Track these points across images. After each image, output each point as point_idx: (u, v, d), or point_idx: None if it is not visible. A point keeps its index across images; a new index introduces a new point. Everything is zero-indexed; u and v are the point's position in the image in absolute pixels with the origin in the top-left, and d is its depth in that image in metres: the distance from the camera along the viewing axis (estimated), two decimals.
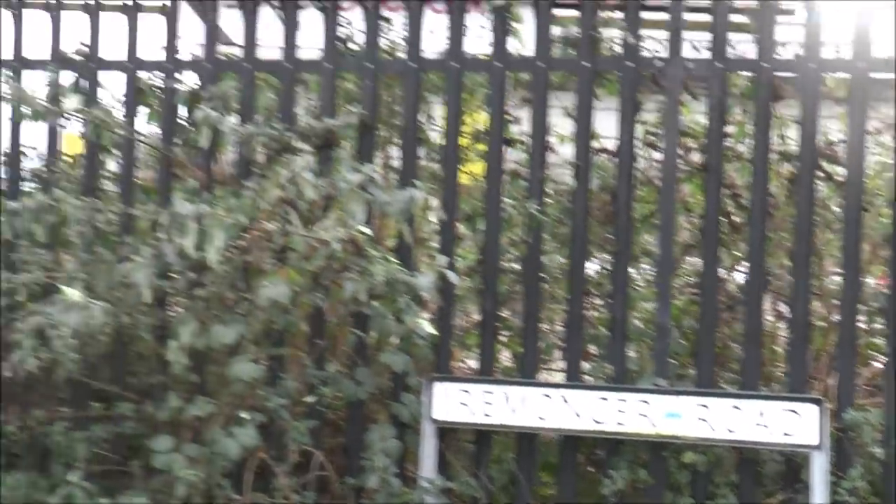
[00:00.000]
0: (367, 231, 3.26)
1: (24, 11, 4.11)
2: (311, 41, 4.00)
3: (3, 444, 3.68)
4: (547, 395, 3.56)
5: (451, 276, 3.36)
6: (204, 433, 3.48)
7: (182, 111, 4.02)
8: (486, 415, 3.58)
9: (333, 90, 3.90)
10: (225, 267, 3.31)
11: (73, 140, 4.28)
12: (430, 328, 3.31)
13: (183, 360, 3.34)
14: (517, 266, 4.03)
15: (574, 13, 3.83)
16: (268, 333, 3.56)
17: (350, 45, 4.09)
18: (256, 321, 3.39)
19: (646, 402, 3.49)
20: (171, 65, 4.00)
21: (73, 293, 3.13)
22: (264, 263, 3.45)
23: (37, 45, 4.09)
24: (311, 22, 4.00)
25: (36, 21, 4.11)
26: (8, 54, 4.09)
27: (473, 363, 4.29)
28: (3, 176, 4.19)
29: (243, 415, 3.39)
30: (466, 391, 3.61)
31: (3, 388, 3.54)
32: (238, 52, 4.05)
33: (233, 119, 3.72)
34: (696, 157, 4.04)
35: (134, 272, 3.25)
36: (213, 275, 3.36)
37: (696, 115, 4.07)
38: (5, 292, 3.70)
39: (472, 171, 4.24)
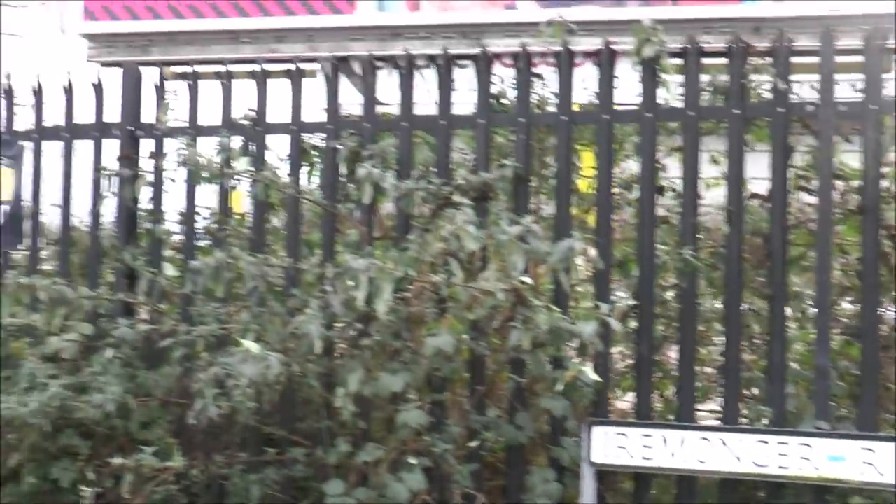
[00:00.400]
0: (529, 281, 3.24)
1: (199, 82, 4.29)
2: (463, 98, 4.05)
3: (185, 485, 3.77)
4: (705, 439, 3.47)
5: (614, 324, 3.31)
6: (371, 477, 3.51)
7: (342, 169, 4.09)
8: (645, 458, 3.50)
9: (488, 144, 3.92)
10: (390, 317, 3.34)
11: (236, 198, 4.44)
12: (594, 375, 3.26)
13: (350, 406, 3.39)
14: (671, 310, 3.96)
15: (722, 61, 3.76)
16: (429, 380, 3.58)
17: (502, 100, 4.13)
18: (420, 369, 3.41)
19: (807, 445, 3.35)
20: (333, 126, 4.08)
21: (251, 346, 3.21)
22: (427, 313, 3.48)
23: (209, 113, 4.24)
24: (464, 80, 4.05)
25: (208, 90, 4.26)
26: (183, 122, 4.27)
27: (622, 404, 4.22)
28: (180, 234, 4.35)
29: (411, 460, 3.39)
30: (624, 434, 3.54)
31: (188, 434, 3.65)
32: (395, 111, 4.12)
33: (392, 175, 3.76)
34: (848, 199, 3.90)
35: (305, 324, 3.31)
36: (378, 325, 3.40)
37: (845, 155, 3.94)
38: (184, 343, 3.83)
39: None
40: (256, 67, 4.22)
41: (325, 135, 4.13)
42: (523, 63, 3.91)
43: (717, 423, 3.76)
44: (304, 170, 4.34)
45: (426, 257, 3.31)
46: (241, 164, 4.00)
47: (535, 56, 3.96)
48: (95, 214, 4.40)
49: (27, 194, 4.52)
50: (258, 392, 3.25)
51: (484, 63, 3.95)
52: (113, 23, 9.32)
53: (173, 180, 4.26)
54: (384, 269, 3.15)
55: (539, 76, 4.06)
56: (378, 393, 3.34)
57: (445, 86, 4.02)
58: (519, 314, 3.24)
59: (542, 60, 4.02)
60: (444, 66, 4.02)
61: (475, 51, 4.05)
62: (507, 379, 3.76)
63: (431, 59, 4.18)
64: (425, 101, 4.12)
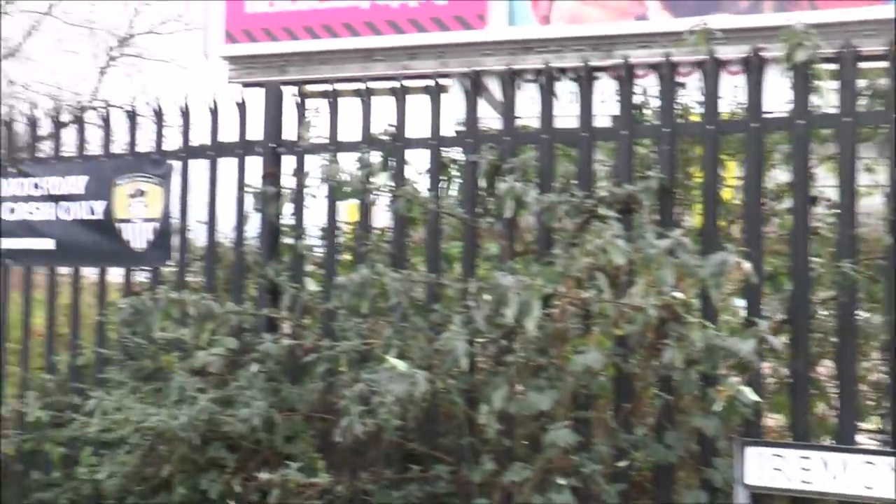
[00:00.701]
0: (682, 296, 3.04)
1: (338, 99, 4.22)
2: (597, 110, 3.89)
3: (329, 500, 3.69)
4: (870, 462, 3.18)
5: (774, 342, 3.08)
6: (517, 496, 3.35)
7: (481, 182, 3.96)
8: (804, 481, 3.23)
9: (630, 156, 3.73)
10: (536, 333, 3.18)
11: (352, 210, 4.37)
12: (753, 395, 3.02)
13: (495, 423, 3.25)
14: (825, 325, 3.69)
15: (881, 65, 3.48)
16: (574, 397, 3.40)
17: (644, 110, 3.93)
18: (567, 387, 3.24)
19: None
20: (472, 139, 3.96)
21: (398, 363, 3.10)
22: (573, 329, 3.31)
23: (349, 129, 4.17)
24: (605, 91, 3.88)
25: (347, 106, 4.20)
26: (324, 139, 4.21)
27: (772, 422, 3.95)
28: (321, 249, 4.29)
29: (559, 480, 3.21)
30: (780, 456, 3.28)
31: (332, 449, 3.57)
32: (530, 123, 3.98)
33: (533, 189, 3.60)
34: None
35: (451, 341, 3.18)
36: (522, 341, 3.24)
37: None
38: (327, 359, 3.75)
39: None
40: (395, 84, 4.11)
41: (463, 149, 3.99)
42: (666, 72, 3.70)
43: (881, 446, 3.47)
44: (443, 183, 4.21)
45: (573, 272, 3.14)
46: (381, 179, 3.91)
47: (678, 65, 3.74)
48: (239, 230, 4.38)
49: (175, 211, 4.52)
50: (403, 409, 3.13)
51: (626, 73, 3.76)
52: (252, 45, 9.43)
53: (314, 196, 4.20)
54: (533, 286, 2.99)
55: (682, 85, 3.84)
56: (524, 411, 3.18)
57: (586, 97, 3.84)
58: (672, 331, 3.03)
59: (685, 69, 3.82)
60: (585, 77, 3.84)
61: (616, 61, 3.86)
62: (654, 396, 3.55)
63: (571, 71, 4.00)
64: (560, 113, 3.96)
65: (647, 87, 4.00)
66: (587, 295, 3.13)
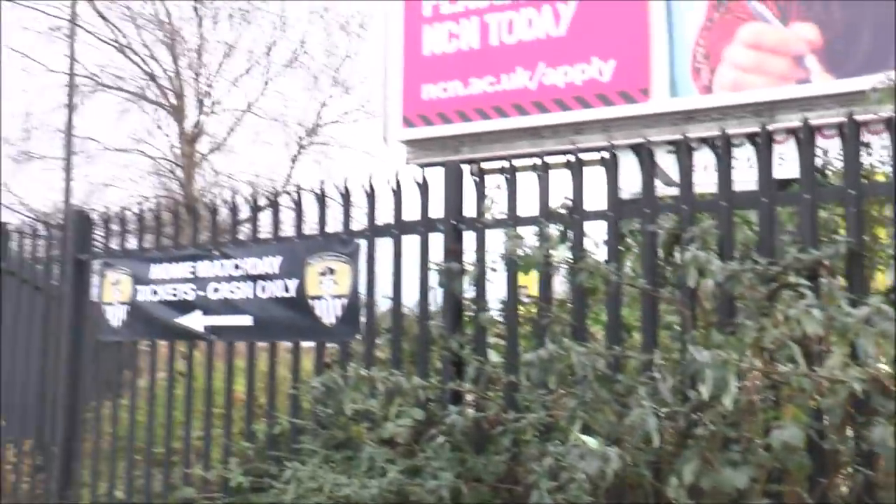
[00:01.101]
0: (888, 368, 2.76)
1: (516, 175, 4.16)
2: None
3: None
4: None
5: None
6: None
7: (660, 252, 3.79)
8: None
9: (814, 220, 3.48)
10: (731, 408, 2.96)
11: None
12: None
13: (684, 498, 3.03)
14: None
15: None
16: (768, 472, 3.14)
17: (826, 173, 3.69)
18: (762, 462, 2.98)
19: None
20: (650, 209, 3.80)
21: (589, 440, 2.94)
22: (766, 403, 3.07)
23: (527, 204, 4.10)
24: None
25: (525, 182, 4.13)
26: (503, 214, 4.15)
27: None
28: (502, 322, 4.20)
29: None
30: None
31: None
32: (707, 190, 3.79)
33: (715, 257, 3.40)
34: None
35: (642, 416, 2.99)
36: (712, 414, 3.02)
37: None
38: (513, 431, 3.63)
39: None
40: (570, 157, 4.01)
41: (641, 218, 3.84)
42: (851, 132, 3.45)
43: None
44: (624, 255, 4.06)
45: (765, 343, 2.91)
46: (561, 251, 3.80)
47: (864, 124, 3.48)
48: (423, 305, 4.35)
49: (362, 288, 4.55)
50: (594, 486, 2.96)
51: (807, 135, 3.53)
52: (428, 128, 9.59)
53: (495, 270, 4.12)
54: (729, 361, 2.78)
55: (867, 145, 3.58)
56: (719, 486, 2.95)
57: (765, 161, 3.63)
58: (879, 405, 2.75)
59: (873, 127, 3.56)
60: (764, 141, 3.63)
61: (796, 123, 3.64)
62: (853, 471, 3.24)
63: (746, 136, 3.80)
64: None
65: (828, 149, 3.75)
66: (785, 368, 2.89)
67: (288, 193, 5.02)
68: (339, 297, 4.61)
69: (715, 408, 2.95)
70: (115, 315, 5.71)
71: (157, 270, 5.49)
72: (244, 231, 5.40)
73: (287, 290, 4.82)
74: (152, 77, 15.68)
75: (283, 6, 16.27)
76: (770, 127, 3.70)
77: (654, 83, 8.56)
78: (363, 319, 4.55)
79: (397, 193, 4.50)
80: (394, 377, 3.67)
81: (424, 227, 4.38)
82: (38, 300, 6.38)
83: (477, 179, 4.30)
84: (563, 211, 3.99)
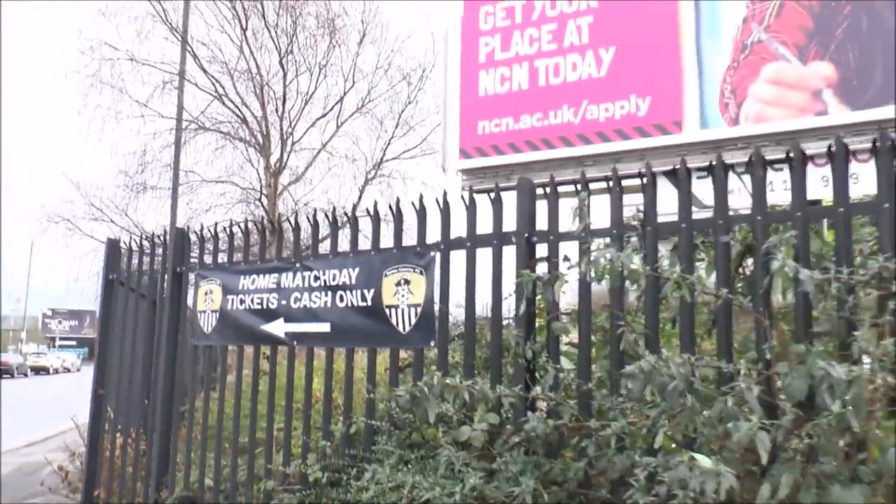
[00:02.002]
0: None
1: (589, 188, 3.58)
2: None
3: None
4: None
5: None
6: None
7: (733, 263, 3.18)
8: None
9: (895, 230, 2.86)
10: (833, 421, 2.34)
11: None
12: None
13: None
14: None
15: None
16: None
17: None
18: (882, 479, 2.35)
19: None
20: (723, 221, 3.20)
21: (701, 458, 2.33)
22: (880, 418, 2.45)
23: (598, 219, 3.52)
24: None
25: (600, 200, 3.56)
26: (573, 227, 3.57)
27: None
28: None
29: None
30: None
31: None
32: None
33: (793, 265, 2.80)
34: None
35: (753, 432, 2.38)
36: (817, 428, 2.40)
37: None
38: (593, 437, 3.04)
39: None
40: (645, 172, 3.44)
41: (713, 230, 3.24)
42: None
43: None
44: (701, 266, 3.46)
45: (878, 355, 2.30)
46: (637, 262, 3.21)
47: None
48: (497, 313, 3.78)
49: (436, 297, 3.99)
50: (694, 501, 2.35)
51: (886, 148, 2.92)
52: (482, 158, 8.98)
53: (566, 280, 3.54)
54: (861, 376, 2.17)
55: None
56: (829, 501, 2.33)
57: (840, 174, 3.03)
58: None
59: None
60: (841, 154, 3.03)
61: (872, 136, 3.04)
62: None
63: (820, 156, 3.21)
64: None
65: None
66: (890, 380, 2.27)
67: (366, 211, 4.49)
68: (413, 305, 4.05)
69: (818, 424, 2.33)
70: (207, 321, 5.21)
71: (244, 281, 4.99)
72: (324, 246, 4.89)
73: (364, 299, 4.28)
74: (244, 120, 15.37)
75: (355, 61, 15.90)
76: (845, 141, 3.07)
77: (687, 116, 7.93)
78: (436, 327, 3.98)
79: (471, 208, 3.95)
80: (478, 385, 3.09)
81: (497, 239, 3.81)
82: (143, 307, 5.92)
83: (551, 196, 3.73)
84: (635, 223, 3.39)
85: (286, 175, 15.78)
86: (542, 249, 3.70)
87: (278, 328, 4.70)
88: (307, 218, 4.83)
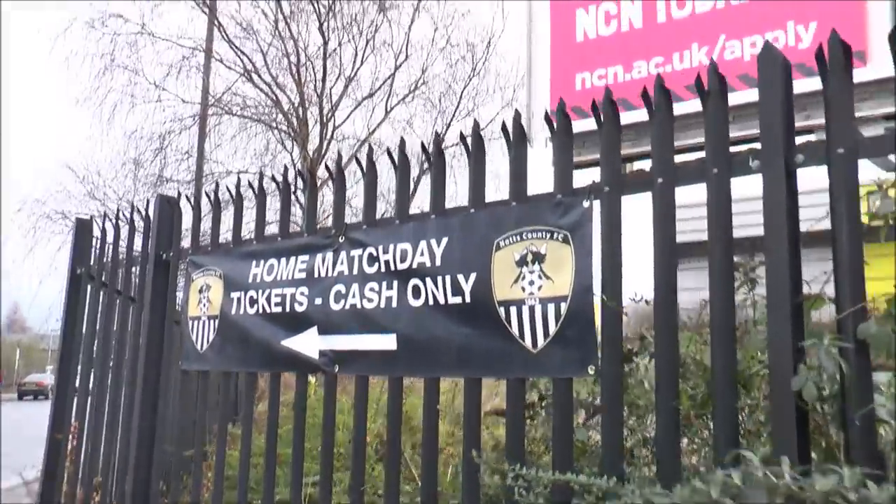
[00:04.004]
0: None
1: None
2: None
3: None
4: None
5: None
6: None
7: None
8: None
9: None
10: None
11: None
12: None
13: None
14: None
15: None
16: None
17: None
18: None
19: None
20: None
21: None
22: None
23: None
24: None
25: None
26: None
27: None
28: None
29: None
30: None
31: None
32: None
33: None
34: None
35: None
36: None
37: None
38: None
39: None
40: None
41: None
42: None
43: None
44: None
45: None
46: None
47: None
48: (725, 306, 2.01)
49: (595, 283, 2.25)
50: None
51: None
52: (583, 121, 7.11)
53: None
54: None
55: None
56: None
57: None
58: None
59: None
60: None
61: None
62: None
63: None
64: None
65: None
66: None
67: (460, 137, 2.78)
68: (552, 300, 2.32)
69: None
70: (202, 334, 3.55)
71: (256, 270, 3.32)
72: (385, 210, 3.17)
73: (458, 291, 2.57)
74: (277, 101, 13.82)
75: (408, 34, 14.22)
76: None
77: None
78: (597, 339, 2.24)
79: (662, 105, 2.22)
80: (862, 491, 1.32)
81: (720, 164, 2.07)
82: (121, 311, 4.28)
83: None
84: None
85: (324, 167, 14.09)
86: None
87: (309, 343, 3.03)
88: (357, 159, 3.16)
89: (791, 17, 6.36)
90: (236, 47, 13.85)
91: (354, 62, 14.09)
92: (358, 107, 14.27)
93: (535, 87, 7.67)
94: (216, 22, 13.65)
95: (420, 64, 14.67)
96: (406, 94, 14.92)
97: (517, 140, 2.55)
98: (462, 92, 14.55)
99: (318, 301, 3.03)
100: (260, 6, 13.97)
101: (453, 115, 14.66)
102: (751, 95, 5.18)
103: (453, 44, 14.66)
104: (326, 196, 10.98)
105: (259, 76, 13.75)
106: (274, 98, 13.77)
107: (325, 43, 13.59)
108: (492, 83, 14.71)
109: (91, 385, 4.22)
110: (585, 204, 2.31)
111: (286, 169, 3.53)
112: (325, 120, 13.65)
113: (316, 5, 13.50)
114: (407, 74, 14.80)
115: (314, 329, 3.02)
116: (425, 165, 10.30)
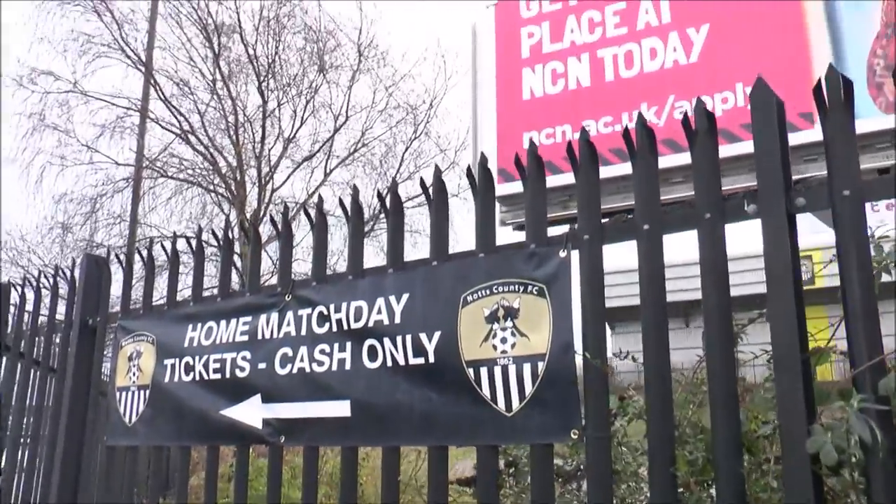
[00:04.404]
0: None
1: None
2: None
3: None
4: None
5: None
6: None
7: None
8: None
9: None
10: None
11: None
12: None
13: None
14: None
15: None
16: None
17: None
18: None
19: None
20: None
21: None
22: None
23: None
24: None
25: None
26: None
27: None
28: None
29: None
30: None
31: None
32: None
33: None
34: None
35: None
36: None
37: None
38: None
39: None
40: None
41: None
42: None
43: None
44: None
45: None
46: None
47: None
48: (719, 356, 1.84)
49: (575, 337, 2.06)
50: None
51: None
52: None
53: None
54: None
55: None
56: None
57: None
58: None
59: None
60: None
61: None
62: None
63: None
64: None
65: None
66: None
67: (421, 185, 2.60)
68: (528, 358, 2.11)
69: None
70: (130, 405, 3.23)
71: (193, 334, 3.05)
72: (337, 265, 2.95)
73: (420, 352, 2.35)
74: (214, 163, 13.55)
75: (348, 95, 14.17)
76: None
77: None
78: (579, 398, 2.04)
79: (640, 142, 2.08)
80: None
81: (712, 208, 1.93)
82: (39, 385, 3.94)
83: None
84: None
85: (264, 230, 13.83)
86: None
87: (251, 412, 2.76)
88: (306, 209, 2.94)
89: (739, 79, 6.42)
90: (173, 106, 13.61)
91: (294, 123, 13.97)
92: (297, 169, 14.08)
93: (482, 145, 7.60)
94: (152, 80, 13.39)
95: (360, 125, 14.60)
96: (346, 155, 14.80)
97: (484, 187, 2.37)
98: (403, 154, 14.49)
99: (262, 366, 2.77)
100: (198, 65, 13.80)
101: (395, 178, 14.57)
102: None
103: (394, 105, 14.66)
104: (265, 261, 10.68)
105: (196, 137, 13.51)
106: (211, 159, 13.51)
107: (265, 103, 13.45)
108: (433, 146, 14.73)
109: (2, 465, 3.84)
110: (562, 254, 2.13)
111: (227, 224, 3.29)
112: (263, 182, 13.43)
113: (255, 65, 13.39)
114: (347, 136, 14.71)
115: (258, 397, 2.76)
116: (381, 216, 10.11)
